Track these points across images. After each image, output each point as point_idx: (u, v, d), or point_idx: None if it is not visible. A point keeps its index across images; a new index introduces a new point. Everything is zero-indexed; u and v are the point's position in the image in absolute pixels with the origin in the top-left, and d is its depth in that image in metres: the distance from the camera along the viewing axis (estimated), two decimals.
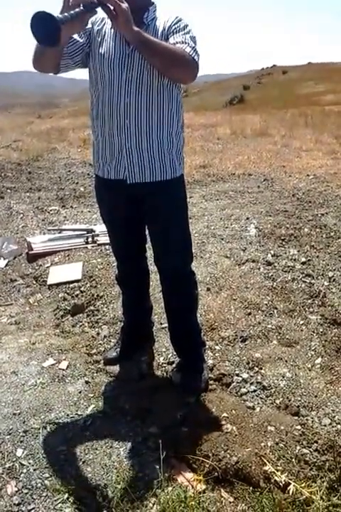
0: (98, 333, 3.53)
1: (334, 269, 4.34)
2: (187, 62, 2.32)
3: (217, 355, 3.18)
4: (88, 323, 3.71)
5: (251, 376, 2.96)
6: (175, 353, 3.10)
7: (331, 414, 2.63)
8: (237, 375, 2.97)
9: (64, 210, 6.82)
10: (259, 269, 4.36)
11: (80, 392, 2.89)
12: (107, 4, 2.14)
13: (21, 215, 6.58)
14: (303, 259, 4.53)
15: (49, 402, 2.80)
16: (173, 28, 2.42)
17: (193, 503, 2.05)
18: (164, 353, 3.21)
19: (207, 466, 2.27)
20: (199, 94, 43.52)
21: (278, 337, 3.36)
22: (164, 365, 3.12)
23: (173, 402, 2.70)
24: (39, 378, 3.02)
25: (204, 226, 5.57)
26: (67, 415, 2.69)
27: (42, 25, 1.90)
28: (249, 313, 3.64)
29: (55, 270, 4.59)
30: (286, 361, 3.09)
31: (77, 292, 4.15)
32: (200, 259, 4.54)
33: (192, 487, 2.18)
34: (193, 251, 2.90)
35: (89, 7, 2.14)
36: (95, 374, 3.07)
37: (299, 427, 2.51)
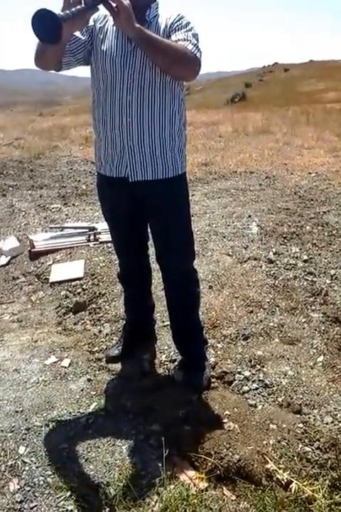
0: (100, 331, 3.53)
1: (336, 267, 4.34)
2: (189, 60, 2.32)
3: (219, 353, 3.18)
4: (90, 321, 3.71)
5: (253, 374, 2.96)
6: (177, 351, 3.10)
7: (333, 412, 2.63)
8: (239, 373, 2.97)
9: (66, 207, 6.81)
10: (261, 267, 4.36)
11: (82, 390, 2.89)
12: (109, 1, 2.14)
13: (23, 212, 6.58)
14: (305, 257, 4.52)
15: (51, 399, 2.80)
16: (175, 25, 2.42)
17: (195, 501, 2.06)
18: (166, 351, 3.21)
19: (209, 464, 2.28)
20: (202, 92, 43.43)
21: (280, 335, 3.36)
22: (166, 362, 3.12)
23: (175, 400, 2.70)
24: (41, 376, 3.02)
25: (206, 224, 5.57)
26: (70, 413, 2.70)
27: (44, 23, 1.90)
28: (251, 311, 3.64)
29: (57, 268, 4.59)
30: (288, 359, 3.09)
31: (79, 290, 4.15)
32: (202, 257, 4.54)
33: (195, 485, 2.18)
34: (195, 249, 2.90)
35: (91, 4, 2.14)
36: (97, 372, 3.07)
37: (301, 425, 2.51)
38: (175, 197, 2.66)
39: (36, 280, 4.56)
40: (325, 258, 4.52)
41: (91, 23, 2.47)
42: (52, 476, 2.28)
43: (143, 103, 2.43)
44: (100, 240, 5.04)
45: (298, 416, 2.60)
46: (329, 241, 4.94)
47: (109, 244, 4.72)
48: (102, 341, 3.40)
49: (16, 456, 2.39)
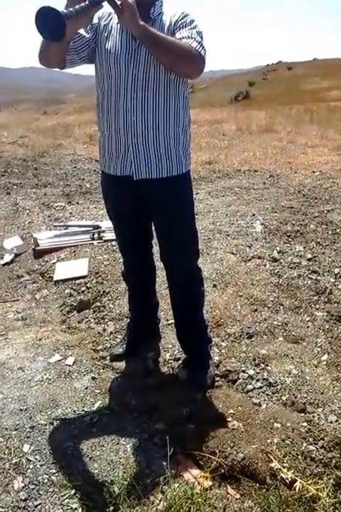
0: (104, 329, 3.53)
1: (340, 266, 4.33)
2: (194, 57, 2.31)
3: (223, 351, 3.18)
4: (94, 319, 3.72)
5: (257, 373, 2.96)
6: (181, 350, 3.10)
7: (337, 411, 2.63)
8: (243, 371, 2.97)
9: (70, 206, 6.82)
10: (265, 265, 4.36)
11: (87, 388, 2.90)
12: None
13: (27, 211, 6.59)
14: (309, 256, 4.52)
15: (55, 398, 2.80)
16: (180, 23, 2.42)
17: (200, 499, 2.06)
18: (170, 350, 3.22)
19: (214, 462, 2.28)
20: (205, 90, 43.38)
21: (284, 334, 3.36)
22: (170, 361, 3.12)
23: (180, 399, 2.70)
24: (45, 374, 3.03)
25: (210, 222, 5.56)
26: (74, 411, 2.70)
27: (47, 21, 1.89)
28: (255, 310, 3.64)
29: (61, 266, 4.60)
30: (292, 358, 3.09)
31: (83, 288, 4.16)
32: (206, 256, 4.53)
33: (199, 483, 2.18)
34: (199, 247, 2.89)
35: (95, 2, 2.13)
36: (101, 370, 3.07)
37: (305, 424, 2.51)
38: (179, 195, 2.65)
39: (40, 278, 4.56)
40: (329, 257, 4.51)
41: (95, 20, 2.47)
42: (57, 474, 2.29)
43: (148, 101, 2.43)
44: (104, 239, 5.04)
45: (302, 415, 2.60)
46: (333, 239, 4.93)
47: (113, 243, 4.72)
48: (106, 340, 3.40)
49: (21, 454, 2.39)
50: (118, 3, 2.13)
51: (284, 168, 8.64)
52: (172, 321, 3.18)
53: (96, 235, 5.12)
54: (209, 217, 5.84)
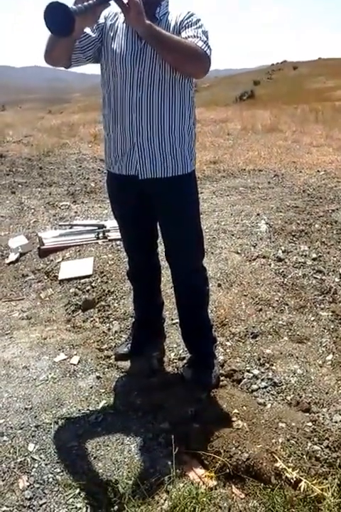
0: (109, 329, 3.53)
1: None
2: (199, 56, 2.31)
3: (227, 351, 3.18)
4: (99, 318, 3.72)
5: (262, 372, 2.96)
6: (186, 349, 3.10)
7: None
8: (248, 371, 2.97)
9: (75, 205, 6.83)
10: (270, 265, 4.36)
11: (91, 388, 2.90)
12: None
13: (32, 210, 6.60)
14: (314, 255, 4.51)
15: (60, 397, 2.81)
16: (185, 22, 2.42)
17: (205, 499, 2.06)
18: (175, 349, 3.22)
19: (219, 462, 2.27)
20: (210, 90, 43.42)
21: (289, 333, 3.36)
22: (175, 360, 3.12)
23: (184, 398, 2.70)
24: (50, 373, 3.03)
25: (215, 222, 5.56)
26: (79, 410, 2.70)
27: (56, 16, 1.90)
28: (260, 310, 3.63)
29: (66, 265, 4.60)
30: (297, 358, 3.08)
31: (88, 287, 4.16)
32: (211, 255, 4.53)
33: (204, 483, 2.18)
34: (204, 247, 2.89)
35: None
36: (106, 369, 3.07)
37: (310, 424, 2.51)
38: (184, 195, 2.65)
39: (45, 277, 4.57)
40: (334, 256, 4.50)
41: (101, 20, 2.48)
42: (61, 473, 2.29)
43: (153, 101, 2.43)
44: (109, 238, 5.04)
45: (307, 414, 2.59)
46: (338, 239, 4.92)
47: (118, 242, 4.73)
48: (111, 339, 3.40)
49: (26, 453, 2.40)
50: (125, 1, 2.13)
51: (289, 167, 8.64)
52: (177, 320, 3.18)
53: (101, 234, 5.12)
54: (213, 216, 5.83)
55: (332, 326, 3.42)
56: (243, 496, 2.15)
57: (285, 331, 3.37)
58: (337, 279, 4.07)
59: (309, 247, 4.72)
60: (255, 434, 2.43)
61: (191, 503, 2.03)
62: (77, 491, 2.18)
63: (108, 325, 3.59)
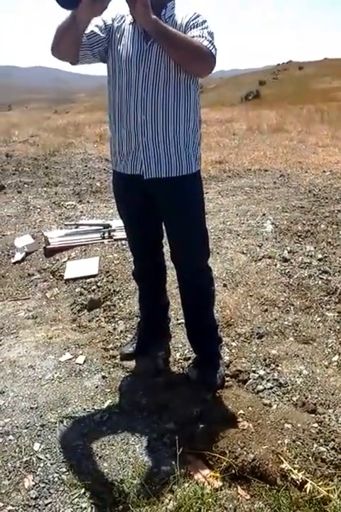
0: (114, 328, 3.53)
1: None
2: (205, 55, 2.32)
3: (233, 351, 3.18)
4: (104, 318, 3.72)
5: (267, 373, 2.95)
6: (191, 349, 3.10)
7: None
8: (254, 371, 2.96)
9: (80, 205, 6.84)
10: (276, 265, 4.35)
11: (97, 387, 2.90)
12: None
13: (38, 209, 6.62)
14: (320, 256, 4.50)
15: (66, 396, 2.81)
16: (191, 23, 2.42)
17: (210, 500, 2.05)
18: (180, 349, 3.21)
19: (224, 462, 2.27)
20: (215, 90, 43.39)
21: (295, 334, 3.35)
22: (180, 360, 3.12)
23: (190, 399, 2.70)
24: (56, 372, 3.03)
25: (220, 222, 5.56)
26: (84, 410, 2.70)
27: None
28: (266, 310, 3.63)
29: (71, 265, 4.61)
30: (303, 358, 3.08)
31: (94, 287, 4.16)
32: (216, 255, 4.53)
33: (209, 484, 2.18)
34: (209, 247, 2.89)
35: None
36: (112, 369, 3.07)
37: (316, 425, 2.50)
38: (188, 195, 2.65)
39: (51, 277, 4.58)
40: (340, 257, 4.49)
41: (109, 21, 2.50)
42: (67, 472, 2.29)
43: (158, 100, 2.44)
44: (115, 238, 5.04)
45: (313, 415, 2.59)
46: None
47: (124, 242, 4.73)
48: (117, 339, 3.40)
49: (31, 453, 2.40)
50: None
51: (295, 167, 8.63)
52: (183, 320, 3.17)
53: (106, 234, 5.12)
54: (219, 216, 5.83)
55: (338, 327, 3.41)
56: (248, 497, 2.14)
57: (291, 332, 3.37)
58: None
59: (315, 248, 4.71)
60: (260, 434, 2.42)
61: (196, 504, 2.02)
62: (82, 490, 2.18)
63: (113, 325, 3.59)
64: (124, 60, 2.46)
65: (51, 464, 2.34)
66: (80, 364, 3.12)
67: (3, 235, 5.66)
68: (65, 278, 4.44)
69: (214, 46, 2.35)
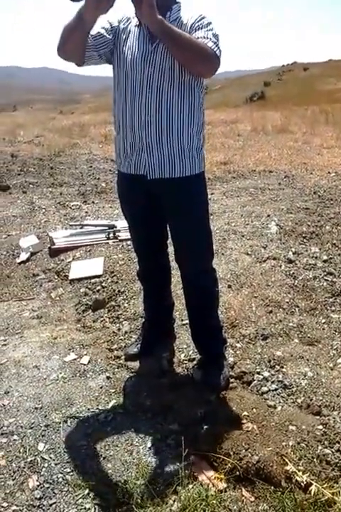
0: (119, 329, 3.53)
1: None
2: (209, 56, 2.32)
3: (237, 352, 3.17)
4: (109, 318, 3.72)
5: (272, 374, 2.94)
6: (196, 350, 3.09)
7: None
8: (258, 373, 2.95)
9: (85, 205, 6.85)
10: (280, 266, 4.34)
11: (101, 388, 2.90)
12: None
13: (43, 210, 6.63)
14: (325, 257, 4.49)
15: (70, 396, 2.81)
16: (196, 24, 2.42)
17: (214, 501, 2.05)
18: (185, 350, 3.21)
19: (228, 464, 2.26)
20: (220, 91, 43.38)
21: (300, 335, 3.34)
22: (185, 361, 3.12)
23: (194, 400, 2.69)
24: (60, 373, 3.04)
25: (225, 223, 5.55)
26: (88, 410, 2.71)
27: None
28: (270, 311, 3.62)
29: (76, 265, 4.61)
30: (308, 360, 3.07)
31: (99, 287, 4.17)
32: (221, 256, 4.52)
33: (213, 485, 2.17)
34: (214, 248, 2.89)
35: None
36: (116, 369, 3.08)
37: (321, 427, 2.49)
38: (192, 196, 2.65)
39: (56, 277, 4.58)
40: None
41: (115, 23, 2.52)
42: (71, 473, 2.29)
43: (162, 102, 2.44)
44: (119, 238, 5.05)
45: (318, 417, 2.58)
46: None
47: (128, 242, 4.73)
48: (121, 339, 3.40)
49: (36, 453, 2.40)
50: None
51: (299, 168, 8.62)
52: (187, 321, 3.16)
53: (111, 235, 5.13)
54: (224, 217, 5.83)
55: None
56: (253, 498, 2.14)
57: (296, 333, 3.36)
58: None
59: (320, 249, 4.70)
60: (265, 436, 2.42)
61: (201, 505, 2.02)
62: (87, 491, 2.18)
63: (118, 325, 3.59)
64: (129, 62, 2.47)
65: (55, 464, 2.34)
66: (85, 364, 3.13)
67: (9, 235, 5.67)
68: (69, 278, 4.44)
69: (218, 48, 2.35)
